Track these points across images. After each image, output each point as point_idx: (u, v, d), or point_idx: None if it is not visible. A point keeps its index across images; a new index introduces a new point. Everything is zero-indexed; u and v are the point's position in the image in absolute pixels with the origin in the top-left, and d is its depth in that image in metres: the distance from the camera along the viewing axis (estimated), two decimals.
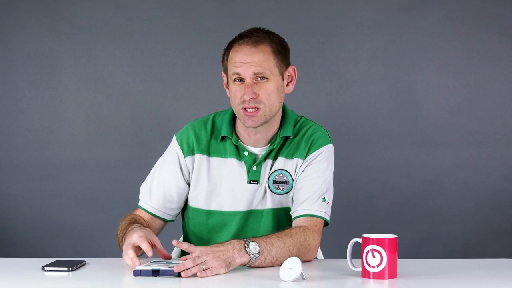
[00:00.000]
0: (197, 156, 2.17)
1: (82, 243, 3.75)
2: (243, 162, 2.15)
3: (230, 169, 2.15)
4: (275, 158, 2.15)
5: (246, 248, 1.89)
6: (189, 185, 2.19)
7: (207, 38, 3.72)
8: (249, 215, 2.16)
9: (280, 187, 2.15)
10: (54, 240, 3.76)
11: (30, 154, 3.77)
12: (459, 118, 3.75)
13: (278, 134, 2.15)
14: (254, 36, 2.09)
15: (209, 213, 2.17)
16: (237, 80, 2.08)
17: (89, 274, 1.88)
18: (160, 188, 2.19)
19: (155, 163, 2.25)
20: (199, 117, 2.24)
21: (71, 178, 3.76)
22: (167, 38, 3.77)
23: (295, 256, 1.88)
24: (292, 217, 2.13)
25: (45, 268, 1.89)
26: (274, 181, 2.15)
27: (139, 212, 2.20)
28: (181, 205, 2.22)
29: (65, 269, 1.88)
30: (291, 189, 2.15)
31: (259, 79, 2.07)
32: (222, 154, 2.16)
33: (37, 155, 3.77)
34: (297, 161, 2.15)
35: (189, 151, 2.17)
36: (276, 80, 2.10)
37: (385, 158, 3.75)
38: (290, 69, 2.15)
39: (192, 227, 2.22)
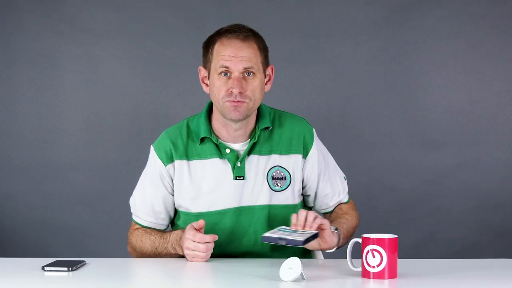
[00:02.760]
0: (177, 162, 2.17)
1: (82, 243, 3.75)
2: (226, 160, 2.16)
3: (213, 169, 2.16)
4: (261, 153, 2.17)
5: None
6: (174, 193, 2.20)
7: None
8: (240, 212, 2.16)
9: (278, 184, 2.16)
10: (54, 240, 3.76)
11: (30, 154, 3.76)
12: (459, 118, 3.75)
13: (257, 127, 2.17)
14: (242, 31, 2.10)
15: (199, 215, 2.16)
16: (223, 74, 2.08)
17: (89, 274, 1.89)
18: (147, 203, 2.21)
19: None
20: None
21: (71, 178, 3.76)
22: (167, 38, 3.77)
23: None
24: (331, 210, 2.28)
25: (45, 268, 1.89)
26: (273, 178, 2.16)
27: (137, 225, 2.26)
28: (171, 213, 2.23)
29: (65, 269, 1.88)
30: (289, 184, 2.17)
31: (246, 74, 2.08)
32: (202, 156, 2.16)
33: (37, 155, 3.76)
34: (295, 157, 2.18)
35: (168, 159, 2.17)
36: (261, 76, 2.12)
37: (385, 158, 3.75)
38: (269, 68, 2.18)
39: None
